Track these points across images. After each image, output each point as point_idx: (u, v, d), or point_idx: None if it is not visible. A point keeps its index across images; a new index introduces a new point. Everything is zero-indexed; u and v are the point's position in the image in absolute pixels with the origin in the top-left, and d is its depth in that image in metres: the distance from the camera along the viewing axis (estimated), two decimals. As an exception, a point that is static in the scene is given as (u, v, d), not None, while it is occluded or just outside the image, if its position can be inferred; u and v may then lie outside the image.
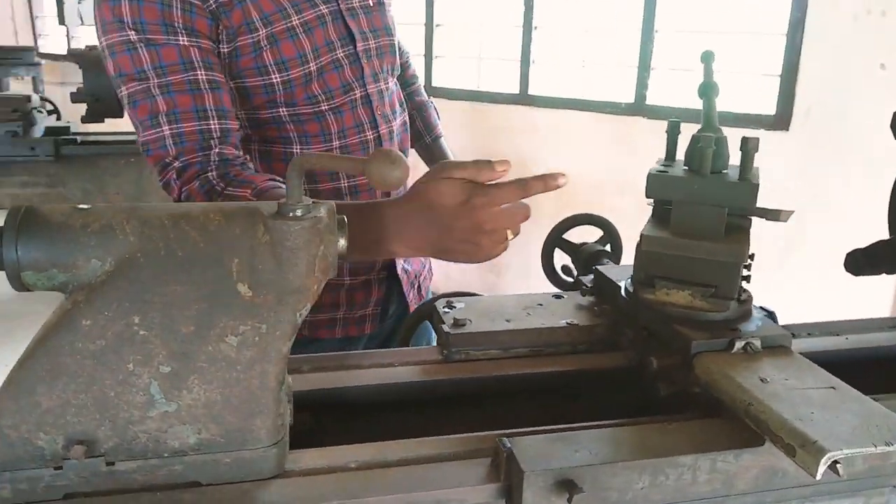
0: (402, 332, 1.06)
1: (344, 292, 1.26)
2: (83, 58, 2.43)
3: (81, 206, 0.63)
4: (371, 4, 1.21)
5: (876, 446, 0.60)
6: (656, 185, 0.83)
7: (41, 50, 6.72)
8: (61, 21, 6.74)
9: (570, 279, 1.15)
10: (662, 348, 0.82)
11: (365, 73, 1.18)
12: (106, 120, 2.61)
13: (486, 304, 0.97)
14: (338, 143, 1.17)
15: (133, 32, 0.98)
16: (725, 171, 0.84)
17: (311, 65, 1.11)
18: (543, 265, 1.19)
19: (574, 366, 0.87)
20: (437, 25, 4.09)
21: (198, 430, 0.61)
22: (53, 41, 7.35)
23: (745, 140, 0.79)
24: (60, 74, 6.17)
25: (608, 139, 3.19)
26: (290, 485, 0.63)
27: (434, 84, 4.15)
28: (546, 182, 0.87)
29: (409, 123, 1.35)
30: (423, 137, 1.49)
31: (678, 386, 0.78)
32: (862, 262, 0.98)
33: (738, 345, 0.77)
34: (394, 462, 0.67)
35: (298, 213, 0.63)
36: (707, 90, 0.88)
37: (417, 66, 4.13)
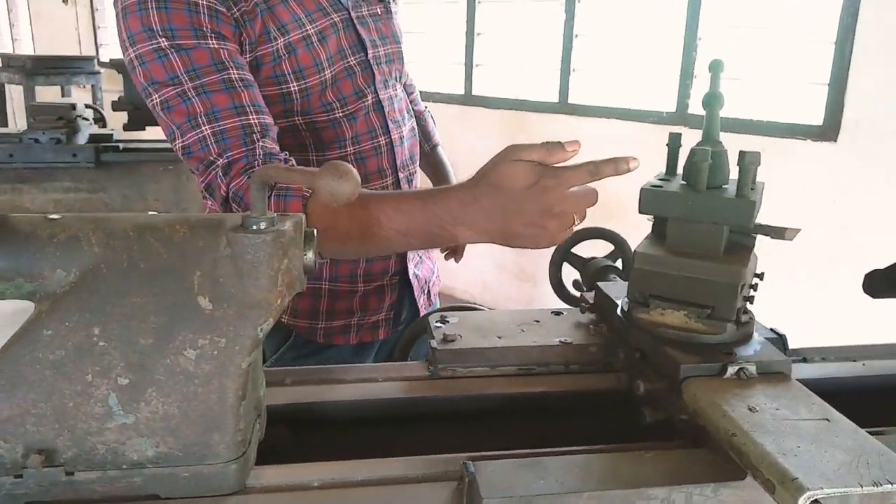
0: (401, 345, 1.05)
1: (358, 299, 1.27)
2: (124, 67, 2.50)
3: (52, 216, 0.63)
4: (379, 13, 1.22)
5: (862, 486, 0.56)
6: (650, 200, 0.79)
7: (102, 59, 6.97)
8: (121, 31, 6.96)
9: (578, 294, 1.12)
10: (653, 371, 0.79)
11: (376, 80, 1.19)
12: (147, 128, 2.69)
13: (480, 319, 0.95)
14: (352, 148, 1.18)
15: (164, 39, 0.98)
16: (725, 187, 0.79)
17: (325, 73, 1.12)
18: (551, 279, 1.17)
19: (562, 386, 0.84)
20: (478, 34, 4.08)
21: (156, 443, 0.61)
22: (114, 51, 7.62)
23: (742, 154, 0.75)
24: (120, 83, 6.39)
25: (650, 149, 3.10)
26: (248, 502, 0.62)
27: (474, 92, 4.14)
28: (617, 165, 0.83)
29: (416, 129, 1.35)
30: (422, 146, 1.48)
31: (665, 412, 0.74)
32: (880, 283, 0.92)
33: (731, 370, 0.73)
34: (357, 482, 0.65)
35: (262, 225, 0.62)
36: (711, 101, 0.84)
37: (458, 75, 4.16)
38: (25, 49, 9.09)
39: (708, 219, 0.77)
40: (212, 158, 1.00)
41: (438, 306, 1.46)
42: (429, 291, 1.37)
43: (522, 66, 4.15)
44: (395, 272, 1.28)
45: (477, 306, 1.10)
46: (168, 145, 2.68)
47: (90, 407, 0.60)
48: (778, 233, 0.82)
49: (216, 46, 1.00)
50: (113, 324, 0.60)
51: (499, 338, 0.89)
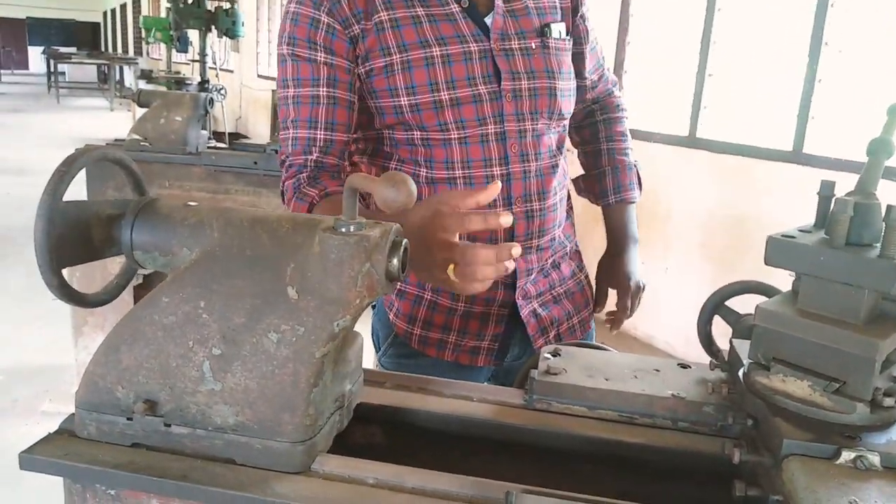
0: (520, 375, 1.03)
1: (458, 318, 1.28)
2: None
3: (190, 203, 0.74)
4: (533, 47, 1.22)
5: None
6: (776, 252, 0.71)
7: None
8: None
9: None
10: (761, 442, 0.70)
11: (505, 111, 1.19)
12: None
13: (595, 358, 0.91)
14: (461, 172, 1.19)
15: (286, 46, 1.16)
16: (873, 246, 0.69)
17: (442, 94, 1.16)
18: (699, 332, 1.08)
19: (661, 442, 0.78)
20: (710, 75, 3.88)
21: (236, 412, 0.68)
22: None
23: (889, 209, 0.64)
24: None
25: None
26: (305, 483, 0.67)
27: (698, 135, 3.94)
28: (487, 220, 0.91)
29: (565, 169, 1.32)
30: (608, 196, 1.43)
31: (760, 490, 0.66)
32: None
33: (847, 455, 0.63)
34: (407, 489, 0.66)
35: (350, 229, 0.67)
36: (876, 147, 0.74)
37: (683, 115, 3.98)
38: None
39: (843, 279, 0.67)
40: (283, 157, 1.20)
41: None
42: (559, 335, 1.33)
43: (755, 110, 3.86)
44: (501, 303, 1.27)
45: (604, 346, 1.05)
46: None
47: (188, 369, 0.68)
48: (943, 306, 0.69)
49: (321, 61, 1.14)
50: (216, 300, 0.68)
51: (606, 380, 0.85)
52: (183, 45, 9.81)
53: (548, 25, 1.24)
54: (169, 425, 0.69)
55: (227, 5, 8.89)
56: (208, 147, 2.95)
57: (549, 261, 1.31)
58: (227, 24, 8.71)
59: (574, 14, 1.32)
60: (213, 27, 8.54)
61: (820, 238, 0.71)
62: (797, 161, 3.38)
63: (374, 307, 1.41)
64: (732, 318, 1.09)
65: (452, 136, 1.17)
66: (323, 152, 1.16)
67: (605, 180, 1.43)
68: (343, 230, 0.67)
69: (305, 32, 1.14)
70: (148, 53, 18.77)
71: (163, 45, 11.13)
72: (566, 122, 1.31)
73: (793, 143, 3.43)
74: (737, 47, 3.95)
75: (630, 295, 1.33)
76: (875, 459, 0.62)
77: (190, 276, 0.70)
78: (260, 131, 10.15)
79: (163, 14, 12.14)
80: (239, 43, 11.82)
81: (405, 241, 0.71)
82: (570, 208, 1.38)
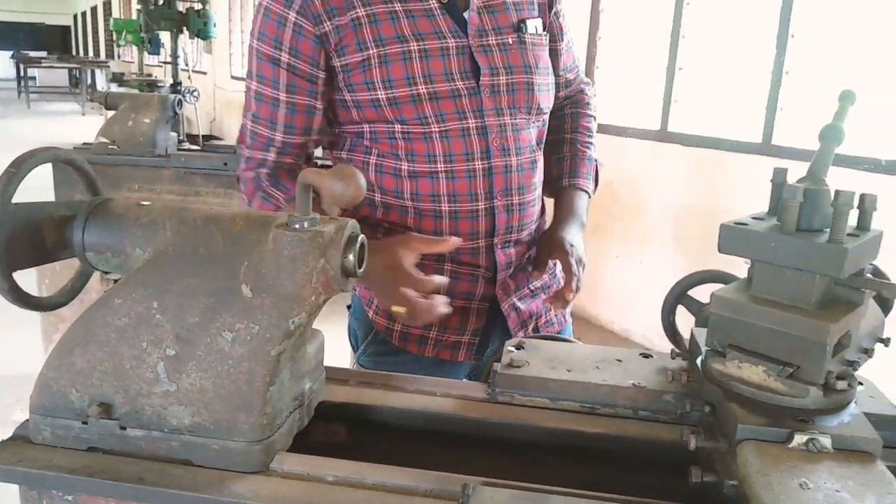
0: (486, 369, 1.04)
1: None
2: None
3: (143, 202, 0.73)
4: (510, 42, 1.23)
5: None
6: (729, 239, 0.72)
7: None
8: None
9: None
10: (718, 429, 0.71)
11: (485, 106, 1.19)
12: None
13: (558, 350, 0.92)
14: (443, 166, 1.19)
15: (255, 40, 1.18)
16: (823, 231, 0.70)
17: (419, 87, 1.16)
18: (663, 322, 1.09)
19: (622, 431, 0.79)
20: (680, 69, 3.91)
21: (192, 412, 0.67)
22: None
23: (837, 194, 0.65)
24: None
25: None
26: (263, 483, 0.66)
27: (670, 129, 3.97)
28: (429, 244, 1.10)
29: (544, 166, 1.33)
30: (561, 180, 1.41)
31: (715, 475, 0.66)
32: None
33: (799, 439, 0.64)
34: (367, 485, 0.66)
35: (305, 225, 0.66)
36: (827, 134, 0.75)
37: (654, 110, 4.02)
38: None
39: (793, 265, 0.68)
40: (241, 145, 1.25)
41: None
42: (537, 328, 1.34)
43: (725, 103, 3.90)
44: (481, 296, 1.28)
45: (569, 339, 1.06)
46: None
47: (143, 371, 0.67)
48: (891, 290, 0.70)
49: (285, 63, 1.17)
50: (169, 300, 0.68)
51: (568, 371, 0.86)
52: (154, 48, 9.68)
53: (524, 21, 1.25)
54: (124, 428, 0.68)
55: (198, 6, 8.80)
56: (178, 149, 2.92)
57: (527, 256, 1.32)
58: (198, 25, 8.62)
59: (549, 10, 1.32)
60: (184, 29, 8.44)
61: (772, 224, 0.72)
62: (767, 153, 3.42)
63: (349, 307, 1.41)
64: (695, 307, 1.09)
65: (433, 130, 1.17)
66: (281, 152, 1.20)
67: (561, 165, 1.42)
68: (297, 226, 0.66)
69: (273, 30, 1.15)
70: (119, 56, 18.52)
71: (134, 48, 10.99)
72: (545, 118, 1.31)
73: (762, 134, 3.47)
74: (706, 41, 3.98)
75: (574, 261, 1.26)
76: (826, 442, 0.63)
77: (143, 276, 0.69)
78: (234, 133, 10.07)
79: (133, 16, 11.99)
80: (211, 44, 11.71)
81: (361, 236, 0.70)
82: (542, 210, 1.38)
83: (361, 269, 0.71)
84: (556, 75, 1.38)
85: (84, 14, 26.84)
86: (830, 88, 3.40)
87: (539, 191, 1.32)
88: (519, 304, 1.30)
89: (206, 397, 0.67)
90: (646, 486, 0.75)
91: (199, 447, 0.67)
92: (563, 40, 1.38)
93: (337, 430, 0.84)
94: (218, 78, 12.29)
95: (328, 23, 1.14)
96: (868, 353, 0.77)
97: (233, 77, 11.54)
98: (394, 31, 1.15)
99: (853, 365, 0.73)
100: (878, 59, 3.24)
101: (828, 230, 0.70)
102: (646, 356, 0.92)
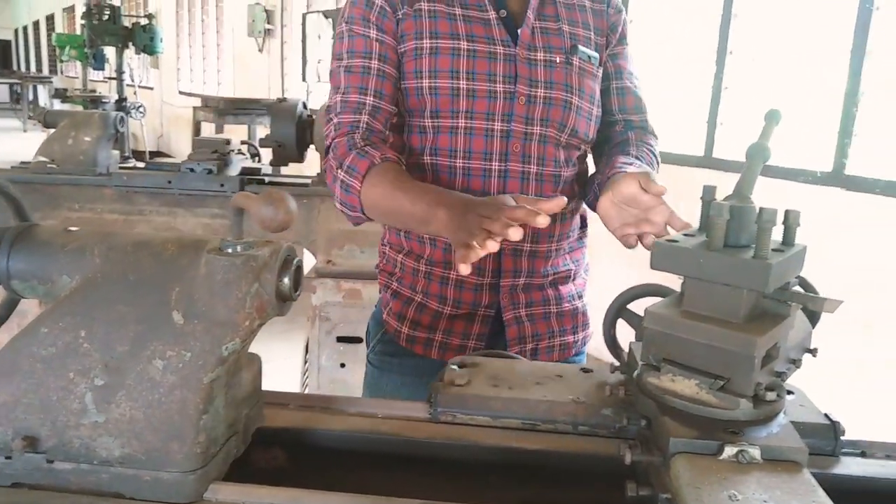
0: (430, 389, 1.03)
1: (444, 319, 1.32)
2: (272, 108, 2.74)
3: (71, 228, 0.71)
4: (557, 62, 1.27)
5: None
6: (661, 256, 0.73)
7: (284, 102, 7.66)
8: (303, 78, 7.64)
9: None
10: (653, 442, 0.72)
11: (515, 111, 1.24)
12: (290, 164, 2.91)
13: (500, 368, 0.92)
14: (461, 162, 1.26)
15: (345, 24, 1.28)
16: (750, 247, 0.72)
17: (461, 82, 1.24)
18: (604, 335, 1.10)
19: (562, 447, 0.79)
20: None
21: (122, 443, 0.65)
22: (296, 96, 8.35)
23: (760, 212, 0.68)
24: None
25: (802, 210, 2.86)
26: (198, 514, 0.65)
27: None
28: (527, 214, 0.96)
29: (568, 183, 1.33)
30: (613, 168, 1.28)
31: (650, 489, 0.68)
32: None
33: (729, 451, 0.65)
34: (304, 512, 0.65)
35: (238, 249, 0.66)
36: (754, 152, 0.78)
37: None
38: (227, 92, 10.23)
39: (721, 280, 0.70)
40: (332, 118, 1.28)
41: None
42: (536, 350, 1.35)
43: (668, 117, 4.00)
44: (487, 305, 1.31)
45: (514, 356, 1.06)
46: (304, 181, 2.86)
47: (70, 402, 0.65)
48: (817, 303, 0.73)
49: (373, 38, 1.26)
50: (98, 328, 0.66)
51: (510, 388, 0.86)
52: (99, 63, 9.45)
53: (575, 47, 1.30)
54: (51, 461, 0.66)
55: (144, 22, 8.64)
56: (120, 167, 2.85)
57: (550, 278, 1.35)
58: (144, 40, 8.49)
59: (605, 49, 1.36)
60: (130, 44, 8.28)
61: (701, 241, 0.74)
62: (708, 166, 3.52)
63: (375, 306, 1.48)
64: (635, 320, 1.12)
65: (460, 125, 1.24)
66: (371, 116, 1.25)
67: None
68: (230, 250, 0.65)
69: (361, 12, 1.26)
70: (62, 72, 18.06)
71: (78, 63, 10.72)
72: (583, 146, 1.32)
73: (704, 148, 3.57)
74: (648, 56, 4.09)
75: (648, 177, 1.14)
76: (756, 453, 0.65)
77: (70, 304, 0.67)
78: (182, 149, 9.90)
79: (77, 31, 11.70)
80: (159, 59, 11.51)
81: (297, 259, 0.70)
82: (583, 235, 1.42)
83: (298, 292, 0.70)
84: (611, 114, 1.38)
85: (25, 28, 26.11)
86: (766, 103, 3.52)
87: (566, 208, 1.23)
88: (525, 319, 1.32)
89: (136, 427, 0.65)
90: (585, 501, 0.76)
91: (131, 479, 0.66)
92: (618, 81, 1.39)
93: (276, 455, 0.83)
94: (165, 93, 12.07)
95: (401, 10, 1.25)
96: (796, 363, 0.80)
97: (181, 92, 11.36)
98: (449, 28, 1.24)
99: (782, 376, 0.75)
100: (815, 74, 3.37)
101: (753, 245, 0.72)
102: (586, 371, 0.93)
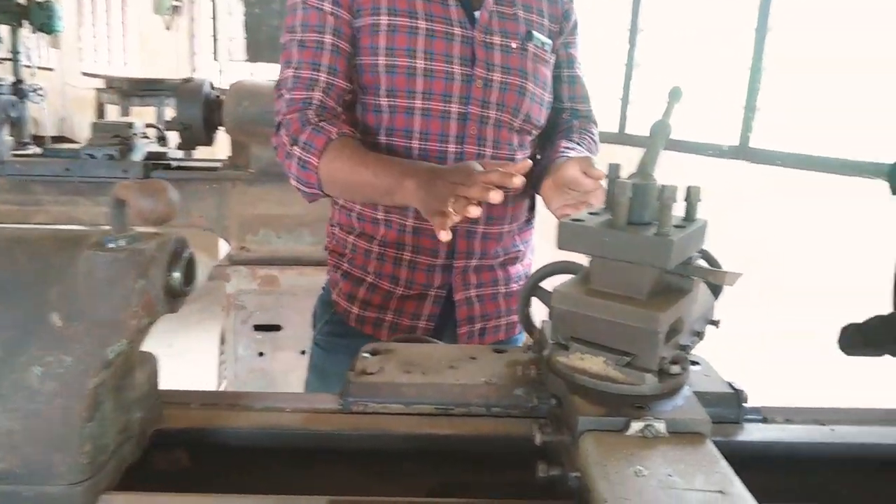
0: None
1: (395, 299, 1.33)
2: (177, 89, 2.62)
3: (-70, 225, 0.64)
4: (513, 47, 1.28)
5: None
6: (566, 236, 0.73)
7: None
8: (215, 57, 7.36)
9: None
10: (564, 421, 0.72)
11: (472, 94, 1.25)
12: (198, 148, 2.80)
13: (414, 353, 0.91)
14: (417, 143, 1.25)
15: None
16: (653, 223, 0.72)
17: (418, 61, 1.22)
18: (519, 315, 1.10)
19: (475, 430, 0.78)
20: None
21: (-1, 458, 0.60)
22: (207, 75, 8.04)
23: (661, 189, 0.68)
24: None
25: (707, 183, 2.97)
26: (88, 527, 0.61)
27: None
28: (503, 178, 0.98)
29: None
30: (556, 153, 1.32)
31: (561, 468, 0.68)
32: (856, 339, 0.82)
33: (635, 426, 0.66)
34: (205, 517, 0.62)
35: (121, 243, 0.61)
36: (657, 130, 0.78)
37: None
38: (134, 72, 9.74)
39: (625, 258, 0.70)
40: (282, 93, 1.25)
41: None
42: (484, 330, 1.36)
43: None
44: (439, 286, 1.32)
45: (431, 340, 1.05)
46: (214, 165, 2.76)
47: (-63, 417, 0.60)
48: (718, 277, 0.74)
49: (328, 10, 1.23)
50: (-35, 335, 0.60)
51: (423, 374, 0.85)
52: (-10, 43, 8.84)
53: (531, 33, 1.30)
54: (-81, 482, 0.60)
55: (40, -2, 8.12)
56: (14, 154, 2.67)
57: (500, 259, 1.36)
58: (41, 18, 7.93)
59: (558, 37, 1.37)
60: (25, 22, 7.76)
61: (606, 220, 0.74)
62: (622, 142, 3.60)
63: (323, 288, 1.47)
64: (547, 298, 1.12)
65: (416, 106, 1.23)
66: (325, 93, 1.23)
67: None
68: (112, 245, 0.61)
69: None
70: (-50, 52, 16.80)
71: (-35, 43, 10.00)
72: (534, 131, 1.34)
73: (618, 125, 3.64)
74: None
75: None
76: (661, 427, 0.65)
77: (-69, 309, 0.61)
78: (87, 133, 9.41)
79: (-36, 8, 10.90)
80: (58, 39, 10.86)
81: (189, 251, 0.66)
82: (532, 216, 1.44)
83: (190, 287, 0.66)
84: (561, 101, 1.41)
85: None
86: (678, 80, 3.62)
87: (517, 195, 1.33)
88: (475, 300, 1.33)
89: (14, 440, 0.60)
90: (500, 483, 0.75)
91: (10, 496, 0.61)
92: (569, 69, 1.41)
93: (178, 458, 0.78)
94: (67, 74, 11.42)
95: None
96: (700, 335, 0.81)
97: (84, 73, 10.77)
98: (407, 5, 1.22)
99: (686, 349, 0.76)
100: (722, 50, 3.48)
101: (654, 223, 0.73)
102: (499, 352, 0.93)
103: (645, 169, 0.75)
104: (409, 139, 1.26)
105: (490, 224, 1.31)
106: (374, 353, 0.90)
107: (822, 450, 0.79)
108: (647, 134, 0.81)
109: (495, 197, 0.92)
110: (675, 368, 0.73)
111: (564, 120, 1.43)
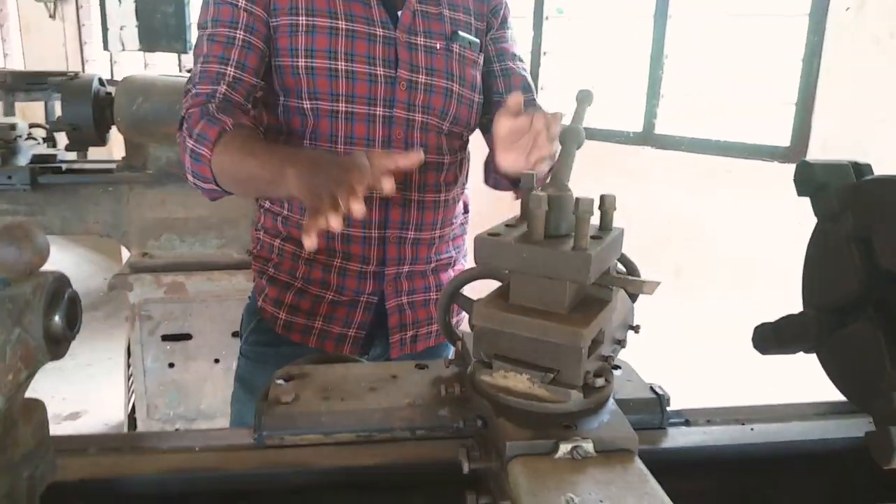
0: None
1: (325, 305, 1.28)
2: (62, 86, 2.44)
3: None
4: (437, 48, 1.24)
5: None
6: (485, 251, 0.71)
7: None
8: (105, 47, 6.94)
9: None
10: (492, 445, 0.70)
11: (397, 97, 1.21)
12: (91, 149, 2.62)
13: (332, 375, 0.86)
14: (343, 148, 1.21)
15: None
16: (570, 235, 0.71)
17: (339, 63, 1.18)
18: (439, 322, 1.07)
19: (399, 457, 0.75)
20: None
21: None
22: (100, 66, 7.59)
23: (577, 202, 0.66)
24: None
25: (615, 169, 3.04)
26: None
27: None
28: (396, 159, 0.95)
29: (450, 170, 1.31)
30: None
31: (491, 497, 0.65)
32: (770, 338, 0.84)
33: (564, 449, 0.64)
34: (106, 586, 0.56)
35: (-15, 289, 0.54)
36: (569, 137, 0.76)
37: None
38: (16, 64, 9.08)
39: (544, 273, 0.68)
40: (189, 88, 1.20)
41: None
42: (416, 337, 1.33)
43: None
44: (371, 292, 1.28)
45: (354, 358, 1.01)
46: (107, 167, 2.58)
47: None
48: (636, 286, 0.73)
49: (242, 6, 1.18)
50: None
51: (342, 399, 0.81)
52: None
53: (456, 33, 1.26)
54: None
55: None
56: None
57: (433, 265, 1.33)
58: None
59: (486, 34, 1.33)
60: None
61: (523, 232, 0.72)
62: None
63: (249, 296, 1.40)
64: (468, 305, 1.10)
65: (340, 109, 1.19)
66: (231, 88, 1.18)
67: None
68: (-24, 294, 0.54)
69: None
70: None
71: None
72: (465, 134, 1.31)
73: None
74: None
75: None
76: (589, 447, 0.64)
77: None
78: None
79: None
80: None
81: (71, 290, 0.59)
82: (465, 221, 1.42)
83: (75, 330, 0.59)
84: (499, 94, 1.36)
85: None
86: (586, 66, 3.68)
87: (448, 198, 1.31)
88: (407, 307, 1.30)
89: None
90: (428, 513, 0.73)
91: None
92: (500, 63, 1.37)
93: (78, 512, 0.72)
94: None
95: None
96: (621, 343, 0.81)
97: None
98: (326, 4, 1.18)
99: (608, 359, 0.76)
100: (626, 38, 3.55)
101: (571, 234, 0.71)
102: (421, 367, 0.90)
103: (560, 179, 0.73)
104: (334, 143, 1.21)
105: (421, 230, 1.28)
106: (288, 378, 0.85)
107: (745, 450, 0.81)
108: (558, 142, 0.79)
109: (357, 211, 0.86)
110: (600, 381, 0.72)
111: None
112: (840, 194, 0.73)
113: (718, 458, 0.82)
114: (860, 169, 0.75)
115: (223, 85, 1.18)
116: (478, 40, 1.32)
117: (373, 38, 1.20)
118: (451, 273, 1.40)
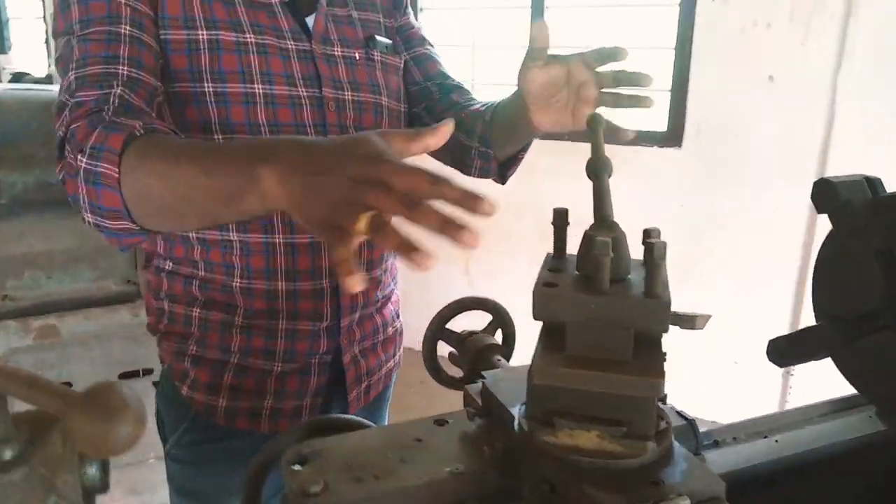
0: (247, 487, 0.83)
1: (273, 379, 1.09)
2: None
3: None
4: (357, 58, 1.09)
5: None
6: (544, 305, 0.65)
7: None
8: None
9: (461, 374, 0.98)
10: (570, 512, 0.65)
11: (328, 121, 1.04)
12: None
13: (349, 449, 0.77)
14: None
15: None
16: (626, 280, 0.67)
17: (256, 86, 0.98)
18: (425, 360, 1.01)
19: (462, 537, 0.68)
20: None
21: None
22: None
23: (649, 247, 0.62)
24: None
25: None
26: None
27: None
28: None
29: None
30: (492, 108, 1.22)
31: (590, 574, 0.60)
32: (786, 349, 0.85)
33: (663, 511, 0.60)
34: None
35: (7, 455, 0.41)
36: (600, 169, 0.72)
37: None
38: None
39: (616, 324, 0.64)
40: (64, 101, 0.90)
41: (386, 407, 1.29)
42: (370, 386, 1.19)
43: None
44: (325, 351, 1.10)
45: (362, 422, 0.90)
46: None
47: None
48: (688, 322, 0.71)
49: (122, 2, 0.94)
50: None
51: (376, 478, 0.72)
52: None
53: (372, 38, 1.12)
54: None
55: None
56: None
57: (378, 304, 1.19)
58: None
59: (394, 31, 1.22)
60: None
61: (578, 280, 0.67)
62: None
63: (155, 384, 1.15)
64: (455, 339, 1.04)
65: None
66: (128, 88, 0.90)
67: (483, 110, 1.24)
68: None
69: None
70: None
71: None
72: None
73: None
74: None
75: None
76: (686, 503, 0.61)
77: None
78: None
79: None
80: None
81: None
82: None
83: (108, 474, 0.47)
84: (418, 83, 1.25)
85: None
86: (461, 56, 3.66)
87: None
88: (360, 357, 1.15)
89: None
90: None
91: None
92: (409, 51, 1.25)
93: None
94: None
95: None
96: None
97: None
98: (227, 14, 0.96)
99: (661, 400, 0.73)
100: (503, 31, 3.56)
101: (629, 277, 0.68)
102: (440, 423, 0.82)
103: (607, 218, 0.69)
104: None
105: (371, 268, 1.16)
106: (303, 461, 0.75)
107: (776, 465, 0.81)
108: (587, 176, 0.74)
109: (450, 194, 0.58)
110: (662, 423, 0.69)
111: (437, 99, 1.25)
112: (863, 210, 0.74)
113: (751, 476, 0.82)
114: (873, 183, 0.76)
115: (117, 86, 0.90)
116: (390, 41, 1.19)
117: (286, 52, 1.01)
118: (390, 307, 1.26)
